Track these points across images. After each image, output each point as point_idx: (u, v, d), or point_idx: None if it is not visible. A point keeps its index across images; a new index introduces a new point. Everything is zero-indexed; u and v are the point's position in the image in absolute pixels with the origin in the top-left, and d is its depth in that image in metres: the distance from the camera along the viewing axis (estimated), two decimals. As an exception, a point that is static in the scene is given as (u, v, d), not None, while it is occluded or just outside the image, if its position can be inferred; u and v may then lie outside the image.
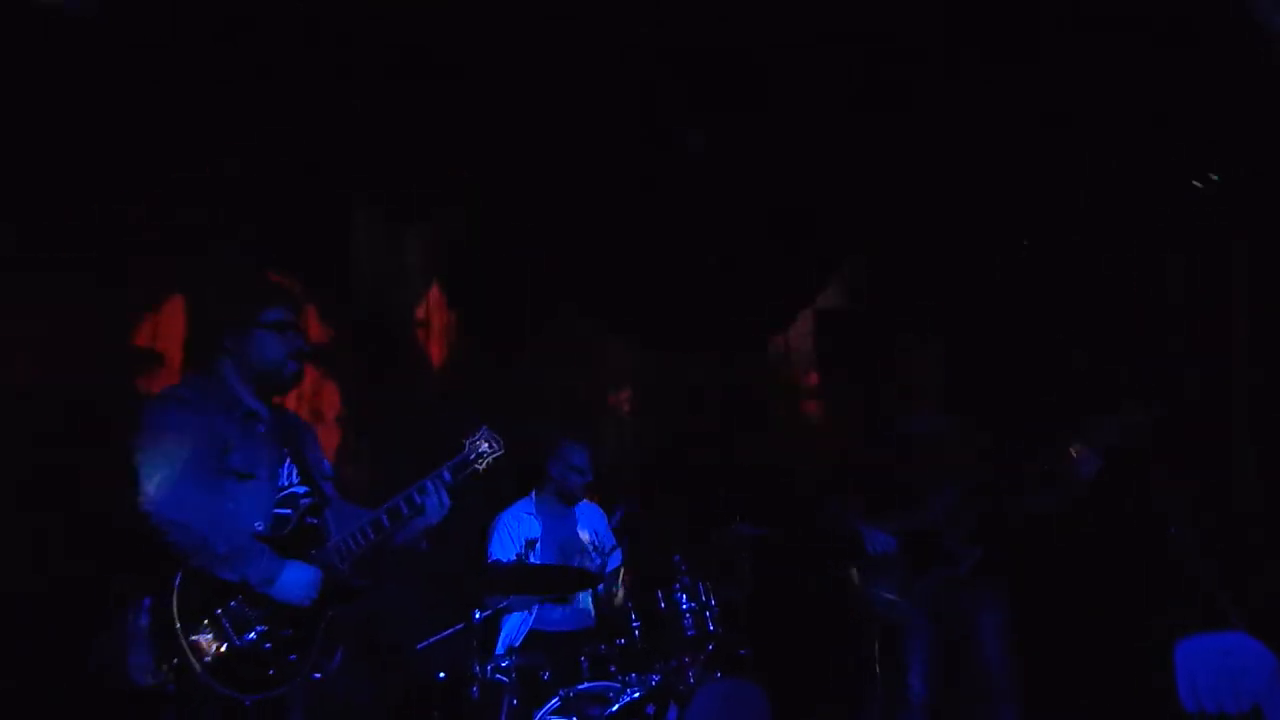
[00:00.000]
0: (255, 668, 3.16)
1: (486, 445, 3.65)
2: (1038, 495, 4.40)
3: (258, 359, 3.46)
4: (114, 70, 4.35)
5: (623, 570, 4.88)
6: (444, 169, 5.57)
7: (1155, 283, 5.33)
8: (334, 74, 4.95)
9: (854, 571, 4.62)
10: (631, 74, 5.45)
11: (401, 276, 5.65)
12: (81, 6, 4.13)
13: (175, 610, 3.07)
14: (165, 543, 3.11)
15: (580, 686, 4.31)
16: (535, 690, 4.31)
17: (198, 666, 3.06)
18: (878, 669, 4.48)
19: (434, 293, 5.72)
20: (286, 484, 3.47)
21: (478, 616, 4.12)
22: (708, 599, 4.57)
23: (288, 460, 3.50)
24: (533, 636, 4.89)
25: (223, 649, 3.11)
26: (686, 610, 4.52)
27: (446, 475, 3.59)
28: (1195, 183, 5.02)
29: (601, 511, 5.42)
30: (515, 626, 4.88)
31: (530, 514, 5.18)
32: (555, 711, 4.22)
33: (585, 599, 5.06)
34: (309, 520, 3.45)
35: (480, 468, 3.65)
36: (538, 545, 4.97)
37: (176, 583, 3.10)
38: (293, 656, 3.25)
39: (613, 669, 4.43)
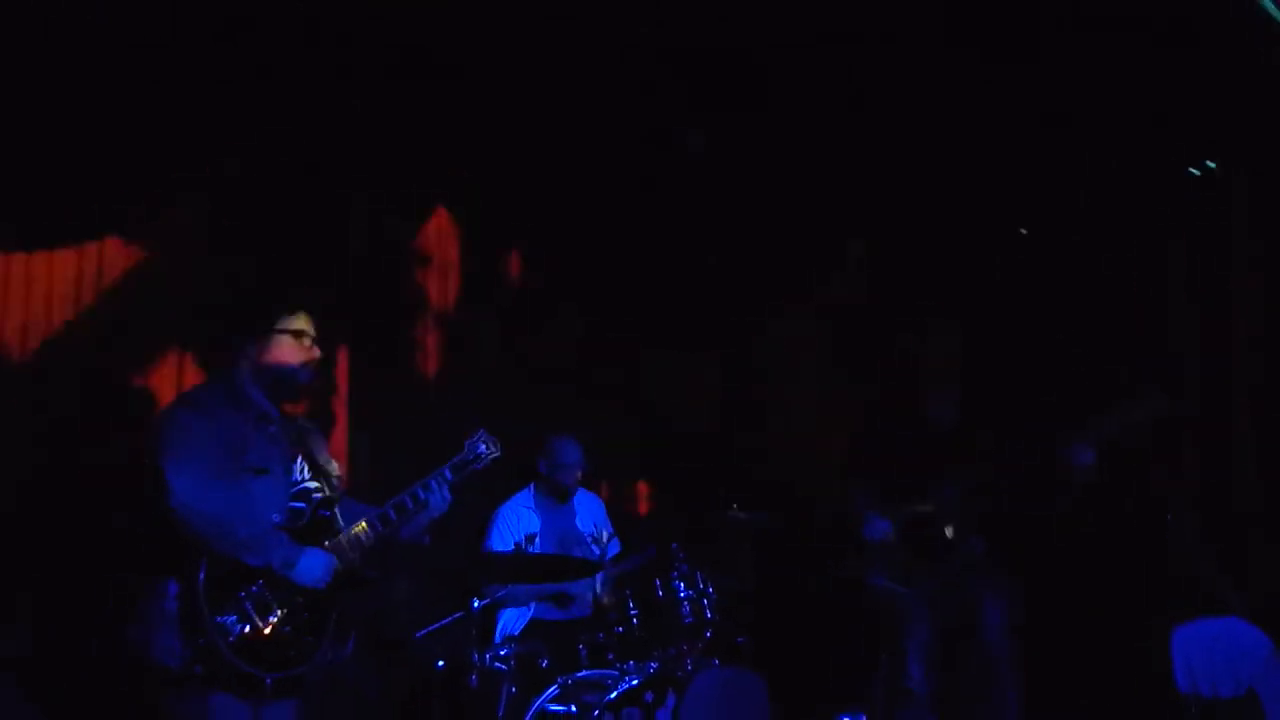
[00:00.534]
0: (276, 649, 3.34)
1: (485, 447, 3.80)
2: (1036, 494, 4.41)
3: (274, 363, 3.59)
4: (114, 70, 4.35)
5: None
6: (444, 169, 5.57)
7: (1156, 282, 5.34)
8: (334, 74, 4.95)
9: (853, 559, 4.63)
10: (631, 74, 5.46)
11: (401, 275, 5.64)
12: None
13: (202, 595, 3.24)
14: (192, 533, 3.28)
15: (579, 674, 4.33)
16: (534, 678, 4.34)
17: (223, 648, 3.23)
18: (878, 656, 4.49)
19: (434, 292, 5.72)
20: (300, 479, 3.61)
21: (476, 605, 4.15)
22: (705, 586, 4.57)
23: (299, 458, 3.65)
24: (532, 625, 4.94)
25: (246, 630, 3.29)
26: (684, 598, 4.52)
27: (448, 473, 3.73)
28: (1192, 170, 5.03)
29: (600, 501, 5.43)
30: (514, 615, 4.90)
31: (529, 508, 5.19)
32: (554, 699, 4.24)
33: (585, 593, 5.06)
34: (321, 513, 3.60)
35: (479, 467, 3.80)
36: (537, 539, 5.00)
37: (202, 569, 3.27)
38: (309, 639, 3.42)
39: (611, 657, 4.45)
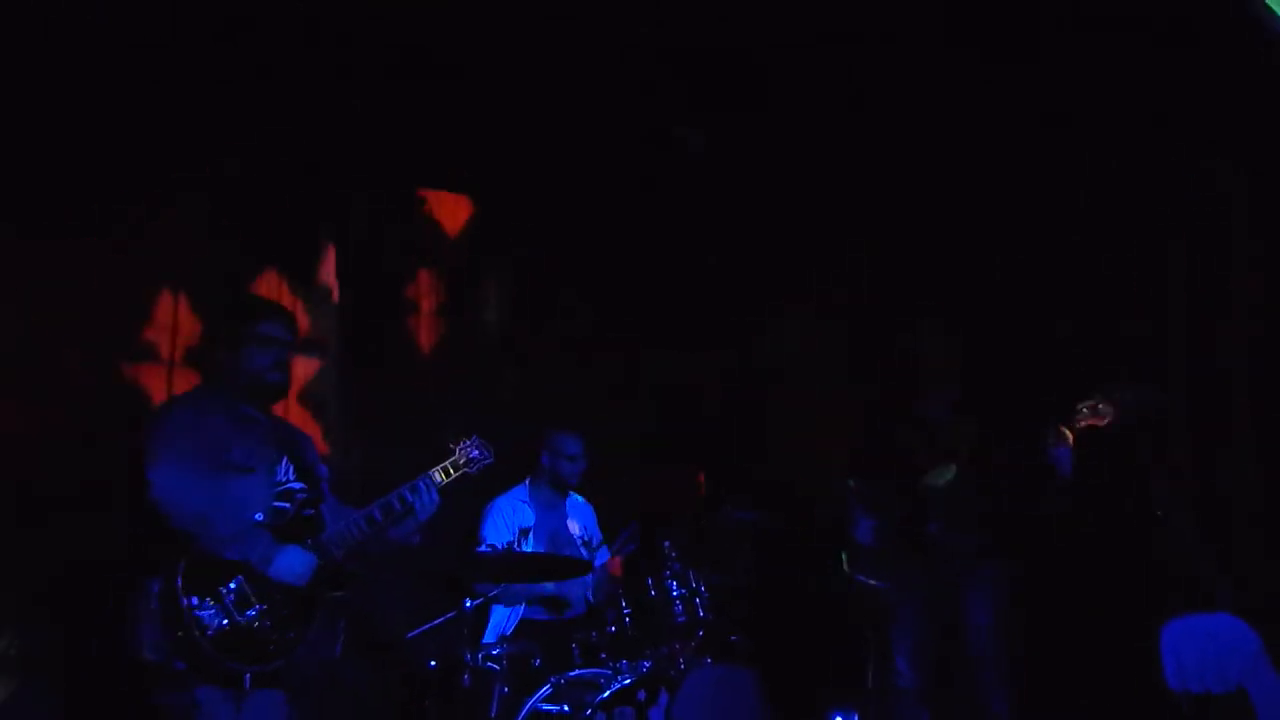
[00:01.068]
0: (255, 643, 3.40)
1: (476, 452, 3.89)
2: (1033, 493, 4.41)
3: (244, 369, 3.68)
4: (114, 70, 4.36)
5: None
6: (444, 169, 5.57)
7: (1155, 282, 5.33)
8: (334, 74, 4.96)
9: (844, 557, 4.63)
10: (631, 74, 5.46)
11: (400, 275, 5.64)
12: None
13: (181, 589, 3.31)
14: (174, 527, 3.36)
15: (571, 674, 4.34)
16: (526, 678, 4.34)
17: (202, 641, 3.29)
18: (870, 654, 4.49)
19: (433, 292, 5.72)
20: (284, 479, 3.68)
21: (468, 605, 4.15)
22: (698, 585, 4.58)
23: (285, 459, 3.71)
24: (524, 624, 4.93)
25: (225, 624, 3.35)
26: (677, 597, 4.52)
27: (437, 476, 3.79)
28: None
29: (591, 507, 5.43)
30: (506, 614, 4.90)
31: (524, 502, 5.19)
32: (547, 699, 4.24)
33: (576, 595, 5.06)
34: (305, 512, 3.67)
35: (471, 471, 3.87)
36: (530, 535, 5.00)
37: (181, 565, 3.34)
38: (290, 634, 3.48)
39: (604, 656, 4.46)
